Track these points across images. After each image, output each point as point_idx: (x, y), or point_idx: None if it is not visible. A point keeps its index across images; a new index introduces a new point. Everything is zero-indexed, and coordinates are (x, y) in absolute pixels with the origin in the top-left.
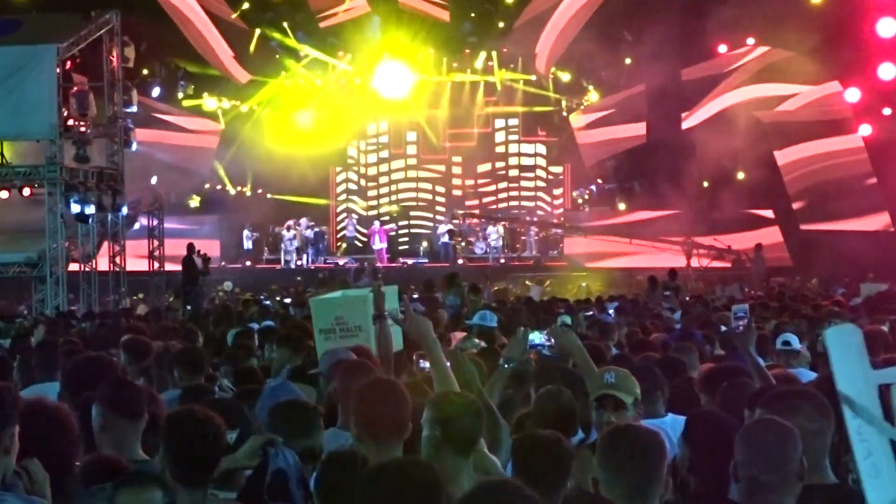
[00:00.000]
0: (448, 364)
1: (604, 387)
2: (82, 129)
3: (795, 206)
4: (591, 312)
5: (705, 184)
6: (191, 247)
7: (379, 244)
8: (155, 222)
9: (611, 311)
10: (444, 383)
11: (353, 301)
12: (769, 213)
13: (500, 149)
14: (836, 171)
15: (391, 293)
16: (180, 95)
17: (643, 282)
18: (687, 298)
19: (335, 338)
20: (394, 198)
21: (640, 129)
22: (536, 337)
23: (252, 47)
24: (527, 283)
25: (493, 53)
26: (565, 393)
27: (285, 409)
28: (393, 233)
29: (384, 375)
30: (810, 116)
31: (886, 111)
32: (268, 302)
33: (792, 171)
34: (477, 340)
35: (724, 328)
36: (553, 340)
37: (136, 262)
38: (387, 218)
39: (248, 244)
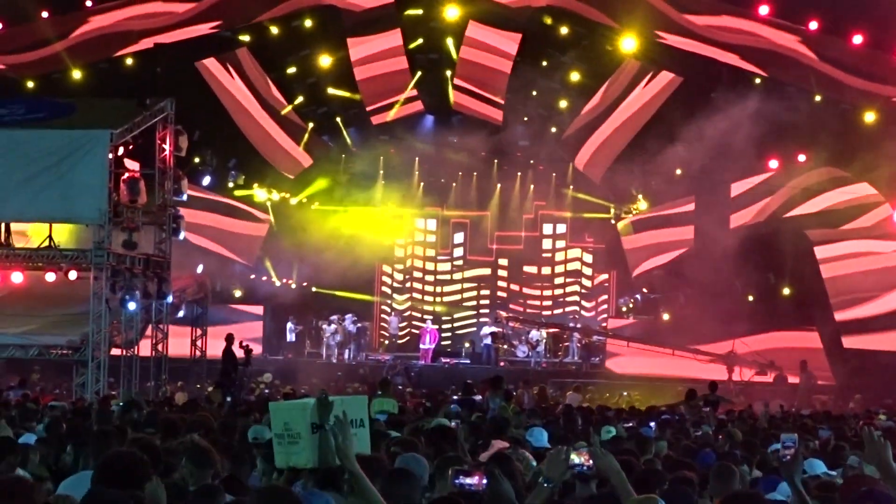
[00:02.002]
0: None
1: None
2: (131, 215)
3: (838, 319)
4: (630, 424)
5: (750, 298)
6: (230, 337)
7: (428, 344)
8: (199, 311)
9: (652, 425)
10: None
11: (295, 408)
12: (812, 330)
13: (546, 253)
14: (881, 289)
15: (359, 403)
16: (230, 185)
17: (682, 393)
18: (724, 415)
19: (284, 443)
20: (438, 297)
21: (687, 232)
22: (574, 457)
23: (305, 141)
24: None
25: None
26: None
27: None
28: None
29: None
30: (859, 236)
31: None
32: (311, 399)
33: (838, 288)
34: (529, 456)
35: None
36: (592, 462)
37: (177, 348)
38: (432, 318)
39: (291, 336)
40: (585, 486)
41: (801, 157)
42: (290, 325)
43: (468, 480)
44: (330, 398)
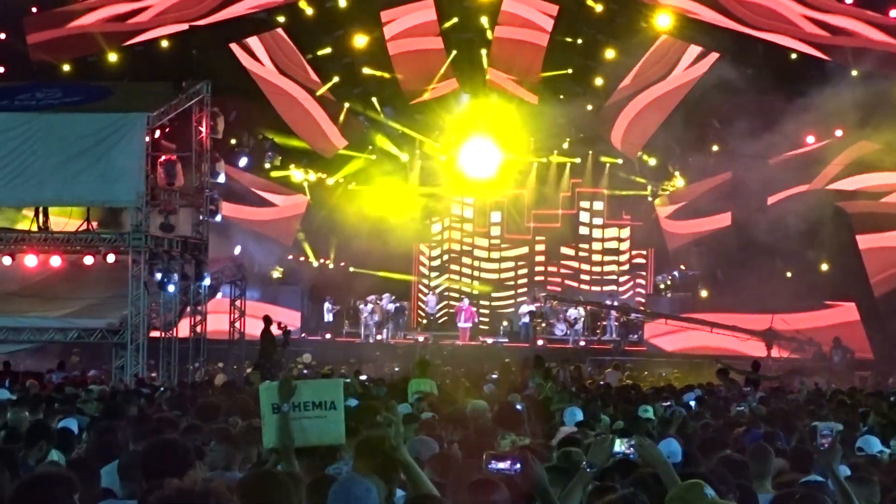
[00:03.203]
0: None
1: None
2: (169, 197)
3: (878, 294)
4: (668, 403)
5: (788, 273)
6: (267, 319)
7: (464, 322)
8: (237, 292)
9: (691, 403)
10: None
11: (262, 390)
12: (851, 305)
13: (583, 231)
14: None
15: (330, 386)
16: (267, 166)
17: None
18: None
19: (258, 423)
20: (476, 276)
21: (724, 220)
22: (618, 444)
23: (341, 121)
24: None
25: (581, 135)
26: (640, 498)
27: None
28: (479, 314)
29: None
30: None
31: None
32: (348, 379)
33: (875, 261)
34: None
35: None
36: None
37: (216, 329)
38: (469, 297)
39: (328, 317)
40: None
41: (839, 133)
42: (327, 305)
43: (501, 465)
44: (295, 382)
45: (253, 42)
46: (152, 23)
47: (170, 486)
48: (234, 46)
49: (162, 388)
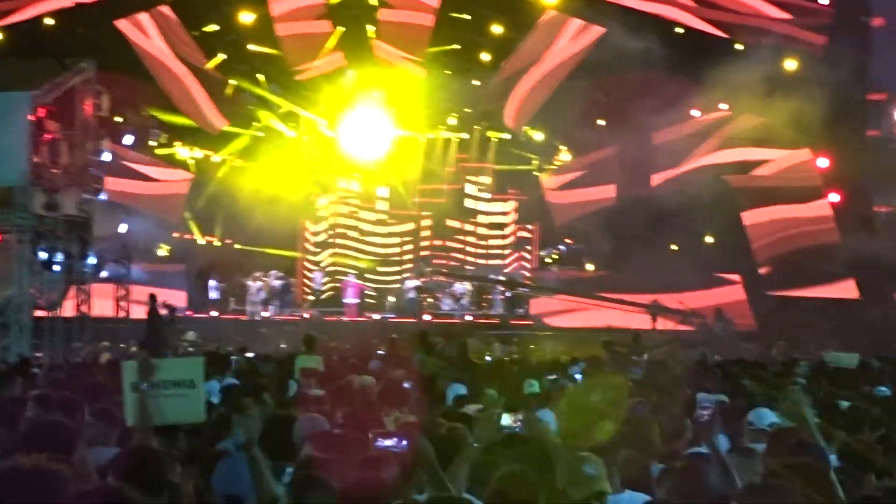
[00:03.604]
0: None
1: None
2: (53, 176)
3: (762, 270)
4: (554, 377)
5: (673, 246)
6: (153, 297)
7: (351, 298)
8: (122, 271)
9: (577, 376)
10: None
11: (124, 368)
12: (736, 278)
13: (470, 205)
14: (803, 238)
15: (190, 364)
16: (153, 144)
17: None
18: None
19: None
20: (362, 252)
21: (609, 191)
22: (506, 419)
23: (225, 98)
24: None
25: (467, 110)
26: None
27: None
28: (364, 289)
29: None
30: (781, 182)
31: (856, 180)
32: (234, 357)
33: (759, 235)
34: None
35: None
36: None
37: (101, 308)
38: (355, 272)
39: (214, 294)
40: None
41: (724, 107)
42: (212, 282)
43: (388, 442)
44: (155, 360)
45: (143, 17)
46: None
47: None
48: (123, 22)
49: (41, 368)
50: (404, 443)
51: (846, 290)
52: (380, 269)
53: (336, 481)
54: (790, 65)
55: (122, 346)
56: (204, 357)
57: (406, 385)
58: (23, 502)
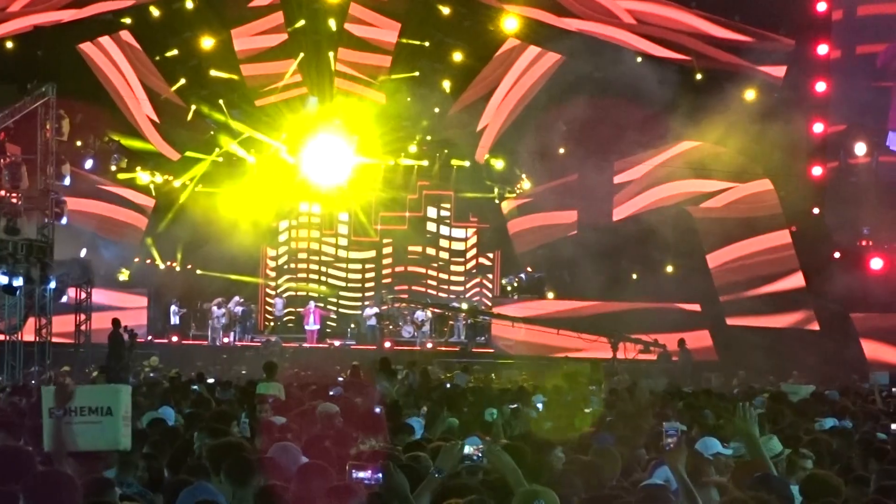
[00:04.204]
0: None
1: None
2: (13, 200)
3: (722, 299)
4: (515, 405)
5: (634, 276)
6: (116, 322)
7: (312, 325)
8: (83, 295)
9: (539, 405)
10: None
11: (43, 394)
12: (696, 308)
13: (430, 233)
14: (762, 268)
15: (112, 392)
16: (113, 168)
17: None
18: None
19: None
20: (324, 279)
21: (571, 216)
22: (467, 449)
23: (186, 123)
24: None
25: (428, 138)
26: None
27: None
28: (326, 315)
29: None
30: (740, 213)
31: (815, 210)
32: (195, 386)
33: (720, 268)
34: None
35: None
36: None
37: (63, 334)
38: (316, 299)
39: (174, 319)
40: (473, 478)
41: (684, 137)
42: (173, 307)
43: (362, 474)
44: (74, 387)
45: (104, 41)
46: None
47: None
48: (84, 46)
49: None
50: (379, 475)
51: (806, 320)
52: (341, 295)
53: None
54: (749, 95)
55: (86, 371)
56: (129, 386)
57: (375, 411)
58: None
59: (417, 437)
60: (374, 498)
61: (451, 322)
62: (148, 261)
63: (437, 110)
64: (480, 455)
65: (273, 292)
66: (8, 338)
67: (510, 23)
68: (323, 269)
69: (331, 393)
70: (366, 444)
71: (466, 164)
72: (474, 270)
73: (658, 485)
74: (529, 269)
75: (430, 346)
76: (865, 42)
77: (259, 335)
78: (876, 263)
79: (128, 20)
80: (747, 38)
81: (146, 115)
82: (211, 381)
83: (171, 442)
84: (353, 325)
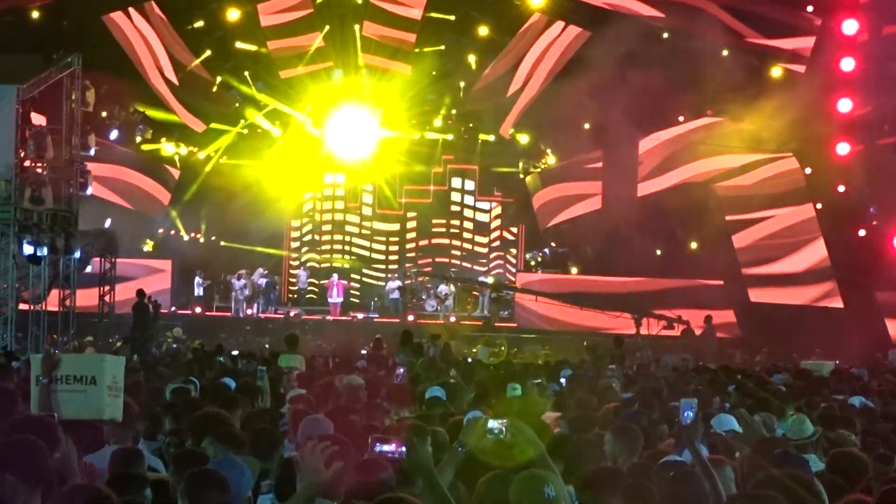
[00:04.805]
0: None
1: None
2: (38, 170)
3: (746, 274)
4: (539, 381)
5: (658, 252)
6: (141, 293)
7: (335, 297)
8: (107, 266)
9: (562, 380)
10: None
11: (32, 362)
12: (720, 284)
13: (455, 207)
14: (787, 245)
15: (97, 361)
16: (138, 139)
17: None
18: (633, 369)
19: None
20: (347, 252)
21: (595, 190)
22: (490, 424)
23: (211, 95)
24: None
25: (453, 111)
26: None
27: None
28: (350, 288)
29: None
30: (765, 189)
31: (841, 189)
32: (220, 357)
33: (744, 243)
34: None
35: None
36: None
37: (85, 303)
38: (340, 272)
39: (198, 291)
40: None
41: (709, 113)
42: (197, 279)
43: (386, 447)
44: (59, 354)
45: (130, 13)
46: None
47: None
48: (109, 17)
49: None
50: (403, 449)
51: (829, 297)
52: (365, 269)
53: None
54: (776, 72)
55: (110, 340)
56: (120, 357)
57: (399, 383)
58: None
59: (440, 411)
60: (398, 471)
61: (475, 295)
62: (172, 232)
63: (462, 84)
64: (504, 429)
65: (297, 264)
66: (32, 307)
67: None
68: (347, 241)
69: (356, 365)
70: (397, 415)
71: (491, 138)
72: (498, 244)
73: (681, 461)
74: (553, 244)
75: (452, 319)
76: (894, 23)
77: (282, 307)
78: None
79: None
80: (774, 14)
81: (171, 86)
82: (235, 353)
83: (194, 413)
84: (376, 299)
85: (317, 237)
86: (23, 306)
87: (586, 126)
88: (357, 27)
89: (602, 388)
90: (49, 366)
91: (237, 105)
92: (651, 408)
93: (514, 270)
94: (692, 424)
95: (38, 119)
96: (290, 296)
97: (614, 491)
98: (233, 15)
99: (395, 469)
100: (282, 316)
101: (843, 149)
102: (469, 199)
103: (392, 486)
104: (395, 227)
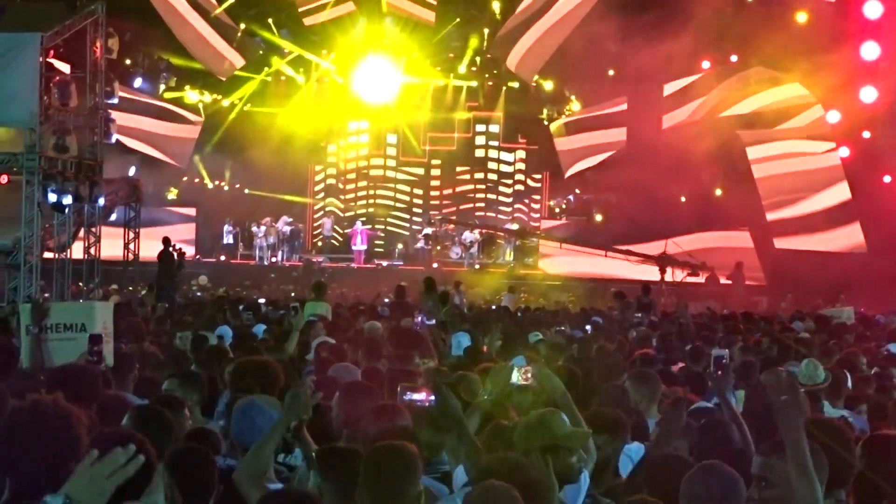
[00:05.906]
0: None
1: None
2: (63, 118)
3: (770, 220)
4: (562, 328)
5: (682, 199)
6: (167, 240)
7: (359, 245)
8: (132, 213)
9: (588, 328)
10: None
11: (21, 312)
12: (745, 231)
13: (479, 153)
14: (812, 192)
15: (86, 308)
16: (162, 87)
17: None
18: (657, 316)
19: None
20: (371, 199)
21: (620, 134)
22: (516, 373)
23: (236, 42)
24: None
25: (477, 59)
26: None
27: None
28: (374, 235)
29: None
30: (790, 136)
31: (866, 134)
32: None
33: (769, 191)
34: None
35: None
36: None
37: (110, 251)
38: (364, 219)
39: (228, 238)
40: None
41: (734, 58)
42: (227, 227)
43: (416, 396)
44: (49, 303)
45: None
46: None
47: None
48: None
49: None
50: (432, 398)
51: (855, 243)
52: (389, 216)
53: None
54: (801, 17)
55: (130, 288)
56: (109, 303)
57: (427, 323)
58: (40, 436)
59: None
60: (427, 417)
61: (499, 242)
62: (196, 180)
63: (486, 31)
64: (531, 378)
65: (321, 212)
66: (57, 256)
67: None
68: (371, 189)
69: (379, 312)
70: (424, 363)
71: (516, 85)
72: (522, 191)
73: (709, 408)
74: (578, 190)
75: (477, 267)
76: None
77: (307, 255)
78: None
79: None
80: None
81: (197, 33)
82: (262, 300)
83: (218, 360)
84: (400, 246)
85: (341, 185)
86: (47, 254)
87: (611, 72)
88: None
89: (629, 337)
90: (39, 315)
91: (261, 52)
92: (674, 353)
93: (537, 217)
94: (723, 375)
95: (62, 67)
96: (315, 243)
97: None
98: None
99: (421, 413)
100: (302, 263)
101: (868, 95)
102: (493, 147)
103: (412, 434)
104: (420, 172)
